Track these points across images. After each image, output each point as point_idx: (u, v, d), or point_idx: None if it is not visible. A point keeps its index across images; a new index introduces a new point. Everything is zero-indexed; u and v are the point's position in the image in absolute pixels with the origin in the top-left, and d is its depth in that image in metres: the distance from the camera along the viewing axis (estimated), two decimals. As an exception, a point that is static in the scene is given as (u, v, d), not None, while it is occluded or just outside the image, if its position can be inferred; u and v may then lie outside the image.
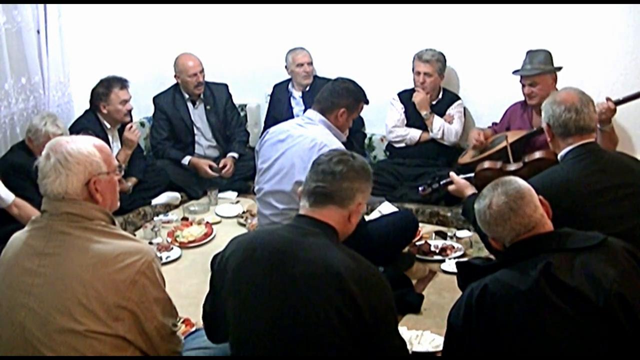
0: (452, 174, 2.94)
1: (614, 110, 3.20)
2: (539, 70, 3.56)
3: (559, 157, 2.40)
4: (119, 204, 1.87)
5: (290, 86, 4.65)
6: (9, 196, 3.07)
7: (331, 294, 1.62)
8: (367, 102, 3.05)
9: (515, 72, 3.66)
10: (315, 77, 4.54)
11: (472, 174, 3.11)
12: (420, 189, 3.25)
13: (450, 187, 2.92)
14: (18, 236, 1.78)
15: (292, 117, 3.97)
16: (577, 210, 2.17)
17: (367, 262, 1.73)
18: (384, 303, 1.69)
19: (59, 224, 1.70)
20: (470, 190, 2.79)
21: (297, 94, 4.62)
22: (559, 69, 3.59)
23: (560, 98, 2.37)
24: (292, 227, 1.81)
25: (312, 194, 1.82)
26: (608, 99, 3.18)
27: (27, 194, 3.08)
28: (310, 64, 4.52)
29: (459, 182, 2.87)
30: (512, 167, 3.25)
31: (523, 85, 3.63)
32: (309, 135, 2.81)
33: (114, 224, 1.78)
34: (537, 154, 3.16)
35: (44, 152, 1.75)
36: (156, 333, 1.72)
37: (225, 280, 1.78)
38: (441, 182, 3.04)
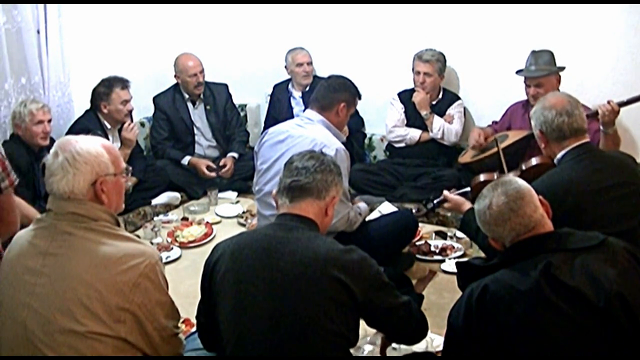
0: (445, 192, 2.90)
1: (617, 112, 3.16)
2: (545, 71, 3.51)
3: (555, 160, 2.40)
4: (123, 206, 1.86)
5: (290, 86, 4.65)
6: None
7: (323, 284, 1.67)
8: (360, 97, 3.06)
9: (519, 72, 3.62)
10: (315, 77, 4.53)
11: (467, 189, 3.05)
12: (414, 210, 3.25)
13: (446, 205, 2.90)
14: (22, 234, 1.77)
15: (292, 117, 3.97)
16: (579, 208, 2.17)
17: (351, 248, 1.78)
18: (374, 285, 1.76)
19: (63, 224, 1.69)
20: (467, 205, 2.74)
21: (297, 94, 4.62)
22: (563, 69, 3.56)
23: (550, 103, 2.37)
24: (276, 225, 1.86)
25: (289, 190, 1.89)
26: (610, 101, 3.15)
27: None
28: (310, 63, 4.52)
29: (454, 199, 2.84)
30: (510, 176, 3.21)
31: (528, 86, 3.57)
32: (308, 136, 2.81)
33: (118, 225, 1.77)
34: (534, 161, 3.10)
35: (52, 150, 1.74)
36: (157, 335, 1.71)
37: (214, 285, 1.80)
38: (435, 202, 3.01)
